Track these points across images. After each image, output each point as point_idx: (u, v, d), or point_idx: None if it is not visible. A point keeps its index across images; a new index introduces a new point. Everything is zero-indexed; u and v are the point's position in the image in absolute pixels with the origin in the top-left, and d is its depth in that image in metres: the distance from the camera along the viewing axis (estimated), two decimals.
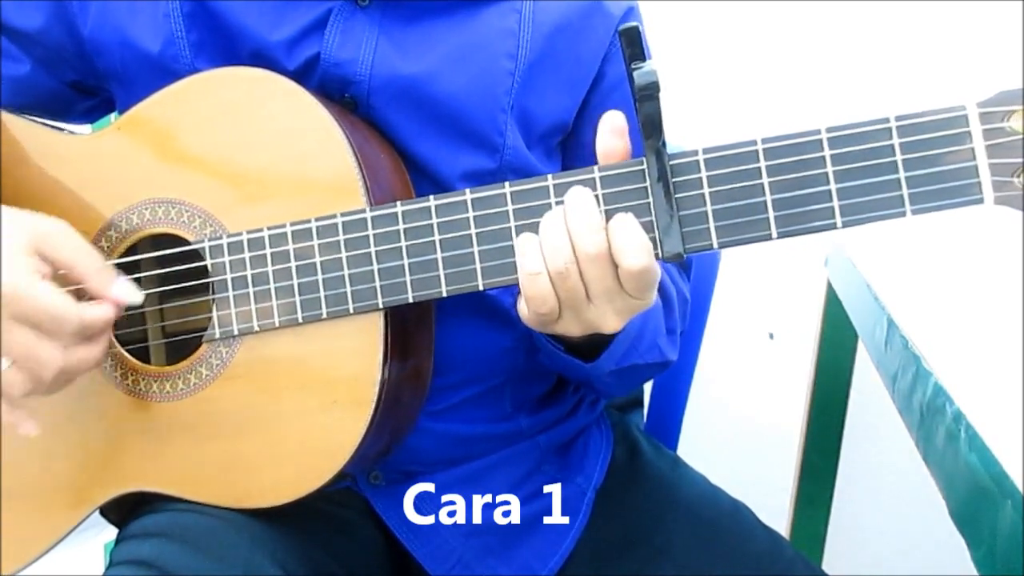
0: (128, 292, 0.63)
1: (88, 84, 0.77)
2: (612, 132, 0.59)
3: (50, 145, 0.71)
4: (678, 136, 0.91)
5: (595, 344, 0.65)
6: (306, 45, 0.69)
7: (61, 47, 0.74)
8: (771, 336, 1.51)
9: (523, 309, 0.61)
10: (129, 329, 0.71)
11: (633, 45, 0.55)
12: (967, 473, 0.51)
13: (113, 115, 0.76)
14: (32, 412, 0.62)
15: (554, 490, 0.81)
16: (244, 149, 0.66)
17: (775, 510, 0.86)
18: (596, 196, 0.59)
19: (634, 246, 0.57)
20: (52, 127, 0.73)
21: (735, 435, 1.52)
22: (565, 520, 0.80)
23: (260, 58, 0.69)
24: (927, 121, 0.55)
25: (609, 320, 0.60)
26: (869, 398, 1.36)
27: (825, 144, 0.56)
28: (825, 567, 0.83)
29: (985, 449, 0.50)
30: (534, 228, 0.60)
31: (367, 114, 0.70)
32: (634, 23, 0.55)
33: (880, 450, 1.44)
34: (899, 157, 0.55)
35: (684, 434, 1.04)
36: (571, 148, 0.78)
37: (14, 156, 0.71)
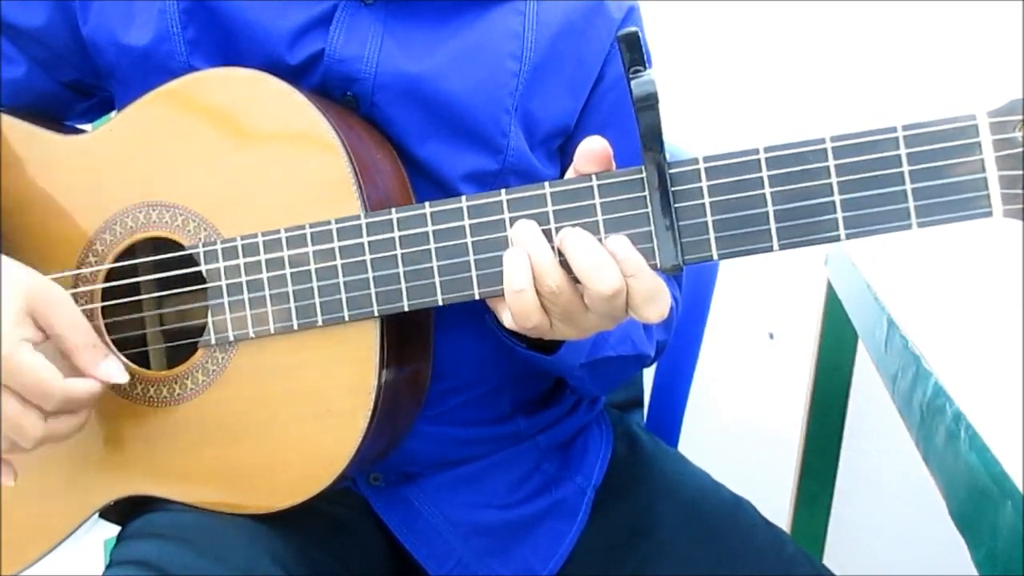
0: (115, 372, 0.63)
1: (86, 83, 0.76)
2: (589, 159, 0.58)
3: (45, 147, 0.71)
4: (679, 140, 0.91)
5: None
6: (308, 41, 0.68)
7: (62, 46, 0.73)
8: (771, 336, 1.51)
9: (507, 320, 0.60)
10: (128, 333, 0.71)
11: (633, 50, 0.54)
12: (967, 473, 0.51)
13: (113, 114, 0.76)
14: (8, 465, 0.63)
15: (554, 490, 0.80)
16: (237, 152, 0.66)
17: (775, 510, 0.85)
18: (593, 205, 0.58)
19: (654, 298, 0.56)
20: (49, 127, 0.72)
21: (735, 435, 1.52)
22: (565, 520, 0.80)
23: (260, 56, 0.68)
24: (936, 131, 0.53)
25: (608, 326, 0.60)
26: (869, 398, 1.36)
27: (830, 154, 0.54)
28: (824, 565, 0.82)
29: (985, 449, 0.50)
30: None
31: (369, 113, 0.70)
32: (633, 28, 0.54)
33: (880, 450, 1.44)
34: (906, 168, 0.54)
35: (684, 434, 1.04)
36: (570, 152, 0.77)
37: (10, 159, 0.71)
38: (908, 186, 0.54)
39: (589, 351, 0.69)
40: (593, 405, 0.87)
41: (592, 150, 0.58)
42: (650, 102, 0.54)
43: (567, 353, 0.68)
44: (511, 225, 0.59)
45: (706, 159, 0.56)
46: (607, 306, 0.57)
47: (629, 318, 0.59)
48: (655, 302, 0.57)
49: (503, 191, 0.59)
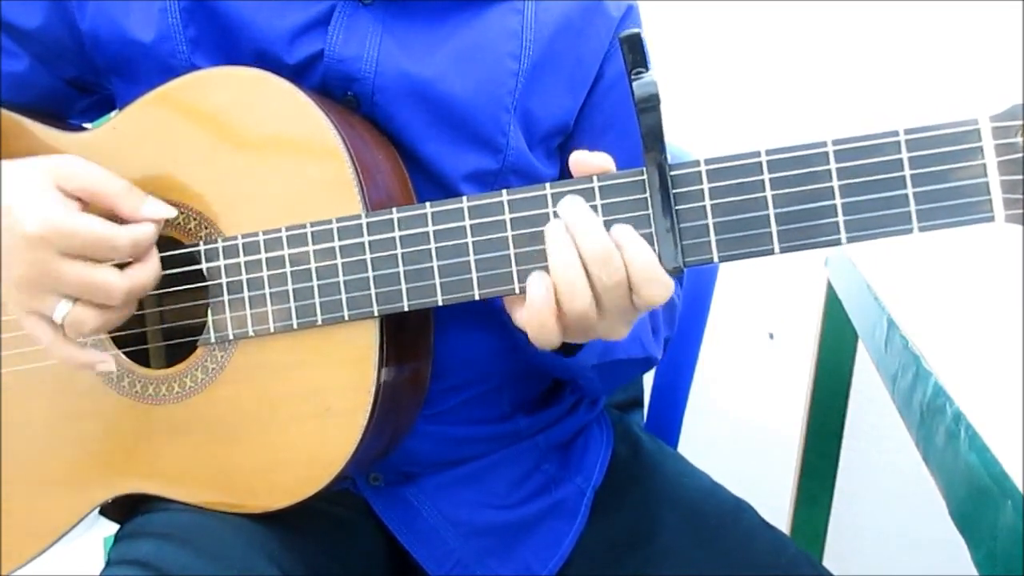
0: (160, 208, 0.63)
1: (87, 80, 0.76)
2: (585, 171, 0.59)
3: (47, 144, 0.71)
4: (681, 142, 0.91)
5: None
6: (308, 41, 0.68)
7: (61, 44, 0.73)
8: (771, 336, 1.51)
9: (521, 325, 0.60)
10: (127, 331, 0.70)
11: (634, 52, 0.54)
12: (967, 473, 0.51)
13: (113, 113, 0.76)
14: (103, 350, 0.62)
15: (553, 490, 0.80)
16: (239, 150, 0.66)
17: (775, 510, 0.86)
18: (595, 206, 0.58)
19: (654, 278, 0.56)
20: (50, 125, 0.72)
21: (735, 435, 1.52)
22: (564, 520, 0.80)
23: (260, 55, 0.68)
24: (937, 135, 0.53)
25: (620, 331, 0.60)
26: (869, 398, 1.36)
27: (831, 157, 0.54)
28: (825, 567, 0.82)
29: (985, 449, 0.50)
30: (531, 237, 0.59)
31: (370, 112, 0.70)
32: (636, 29, 0.54)
33: (880, 450, 1.44)
34: (907, 172, 0.54)
35: (684, 434, 1.04)
36: (569, 151, 0.77)
37: (11, 157, 0.71)
38: (910, 190, 0.54)
39: (600, 353, 0.69)
40: (593, 405, 0.87)
41: (582, 162, 0.58)
42: (652, 103, 0.54)
43: (583, 356, 0.68)
44: (511, 226, 0.59)
45: (707, 161, 0.56)
46: (613, 296, 0.57)
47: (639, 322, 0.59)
48: (653, 283, 0.57)
49: (504, 191, 0.59)
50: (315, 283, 0.63)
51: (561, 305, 0.57)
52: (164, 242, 0.67)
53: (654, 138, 0.55)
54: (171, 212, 0.63)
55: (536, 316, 0.58)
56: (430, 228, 0.61)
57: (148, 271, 0.62)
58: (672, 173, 0.56)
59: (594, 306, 0.58)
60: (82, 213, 0.59)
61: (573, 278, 0.57)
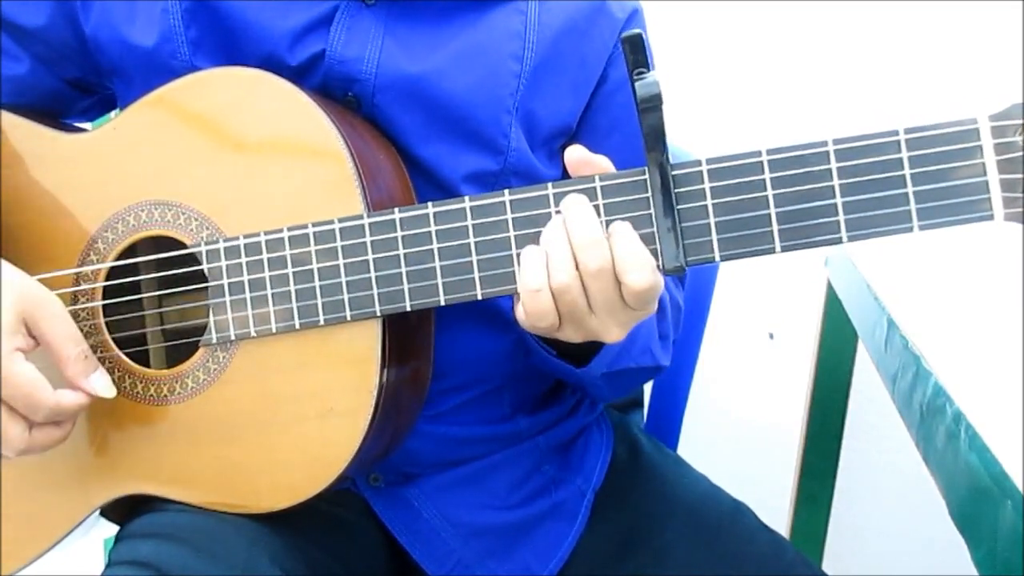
0: (103, 386, 0.64)
1: (89, 81, 0.77)
2: (582, 168, 0.59)
3: (48, 145, 0.71)
4: (682, 142, 0.91)
5: (589, 345, 0.65)
6: (309, 42, 0.68)
7: (64, 44, 0.73)
8: (771, 336, 1.51)
9: (522, 317, 0.60)
10: (128, 332, 0.71)
11: (636, 52, 0.54)
12: (967, 473, 0.51)
13: (113, 113, 0.76)
14: None
15: (553, 492, 0.81)
16: (240, 151, 0.66)
17: (775, 510, 0.86)
18: (597, 206, 0.58)
19: (637, 264, 0.56)
20: (51, 125, 0.72)
21: (735, 435, 1.53)
22: (564, 522, 0.80)
23: (262, 56, 0.68)
24: (937, 134, 0.54)
25: (612, 331, 0.60)
26: (869, 398, 1.36)
27: (832, 156, 0.55)
28: (825, 567, 0.82)
29: (985, 449, 0.50)
30: (534, 237, 0.59)
31: (370, 113, 0.70)
32: (637, 30, 0.54)
33: (880, 450, 1.44)
34: (907, 171, 0.54)
35: (684, 434, 1.04)
36: None
37: (12, 157, 0.71)
38: (910, 189, 0.54)
39: (611, 362, 0.69)
40: (594, 406, 0.87)
41: (581, 160, 0.58)
42: (654, 103, 0.54)
43: (595, 365, 0.68)
44: (513, 226, 0.59)
45: (709, 161, 0.57)
46: (598, 283, 0.57)
47: (640, 325, 0.59)
48: (635, 263, 0.57)
49: (506, 192, 0.60)
50: (317, 283, 0.63)
51: (550, 275, 0.58)
52: (165, 242, 0.67)
53: (656, 138, 0.55)
54: (112, 392, 0.64)
55: (530, 282, 0.58)
56: (432, 228, 0.61)
57: (52, 437, 0.63)
58: (674, 173, 0.57)
59: (582, 293, 0.58)
60: (24, 363, 0.60)
61: (560, 252, 0.57)
